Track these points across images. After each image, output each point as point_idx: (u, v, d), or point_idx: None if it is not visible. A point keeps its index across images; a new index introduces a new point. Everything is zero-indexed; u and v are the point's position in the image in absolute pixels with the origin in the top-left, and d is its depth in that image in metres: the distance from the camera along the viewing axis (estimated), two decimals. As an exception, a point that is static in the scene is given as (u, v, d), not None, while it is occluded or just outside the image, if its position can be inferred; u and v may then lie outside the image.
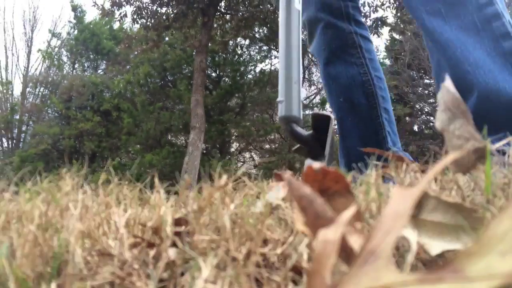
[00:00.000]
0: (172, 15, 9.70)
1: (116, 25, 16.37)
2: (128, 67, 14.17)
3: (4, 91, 16.67)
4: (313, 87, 14.58)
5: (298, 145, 1.32)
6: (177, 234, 0.37)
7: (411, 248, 0.27)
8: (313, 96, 14.64)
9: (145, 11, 9.74)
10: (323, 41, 1.63)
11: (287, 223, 0.39)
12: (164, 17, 9.75)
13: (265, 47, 13.81)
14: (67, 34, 17.51)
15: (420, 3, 1.25)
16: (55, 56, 17.13)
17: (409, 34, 12.78)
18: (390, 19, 12.48)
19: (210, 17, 9.60)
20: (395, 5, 10.34)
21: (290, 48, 1.36)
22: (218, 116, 12.37)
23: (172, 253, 0.35)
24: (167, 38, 12.06)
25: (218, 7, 10.11)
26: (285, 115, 1.29)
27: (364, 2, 10.08)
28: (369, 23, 10.23)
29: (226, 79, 13.40)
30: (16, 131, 16.16)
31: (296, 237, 0.35)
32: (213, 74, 13.49)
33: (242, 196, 0.47)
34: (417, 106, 13.78)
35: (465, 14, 1.13)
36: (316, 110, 13.45)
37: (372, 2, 10.25)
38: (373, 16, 10.45)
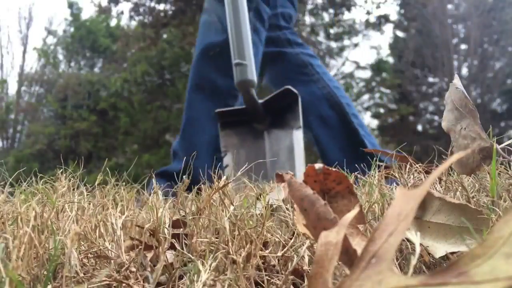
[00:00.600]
0: (170, 12, 9.67)
1: (113, 23, 16.31)
2: (125, 65, 14.11)
3: (-1, 90, 16.59)
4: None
5: (226, 120, 1.37)
6: (175, 236, 0.37)
7: (415, 251, 0.27)
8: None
9: (143, 8, 9.72)
10: (275, 71, 1.76)
11: (288, 225, 0.38)
12: (162, 14, 9.72)
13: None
14: (63, 31, 17.44)
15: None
16: (51, 54, 17.06)
17: (413, 31, 12.78)
18: (394, 16, 12.52)
19: (208, 14, 9.57)
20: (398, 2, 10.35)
21: (244, 9, 1.40)
22: (216, 115, 12.33)
23: (170, 255, 0.35)
24: (165, 36, 12.02)
25: (217, 4, 10.08)
26: (249, 78, 1.32)
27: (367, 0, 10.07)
28: (372, 20, 10.24)
29: (224, 77, 13.35)
30: (11, 130, 16.08)
31: (297, 239, 0.34)
32: (212, 73, 13.44)
33: (242, 197, 0.47)
34: (421, 105, 13.78)
35: None
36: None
37: (375, -1, 10.24)
38: (376, 13, 10.45)
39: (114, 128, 13.59)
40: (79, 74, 15.81)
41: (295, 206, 0.31)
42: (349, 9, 10.24)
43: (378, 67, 13.52)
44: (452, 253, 0.31)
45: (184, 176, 0.41)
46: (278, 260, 0.33)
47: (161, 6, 9.85)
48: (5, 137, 16.02)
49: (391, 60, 14.77)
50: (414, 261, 0.27)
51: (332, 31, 12.01)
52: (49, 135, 13.90)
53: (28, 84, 16.88)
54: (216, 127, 1.46)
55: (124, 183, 0.53)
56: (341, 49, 13.06)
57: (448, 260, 0.31)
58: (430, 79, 13.79)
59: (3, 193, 0.51)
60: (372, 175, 0.39)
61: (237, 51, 1.35)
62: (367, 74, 13.98)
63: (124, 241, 0.37)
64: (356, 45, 13.05)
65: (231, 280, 0.29)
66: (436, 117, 13.20)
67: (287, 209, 0.39)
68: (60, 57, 17.51)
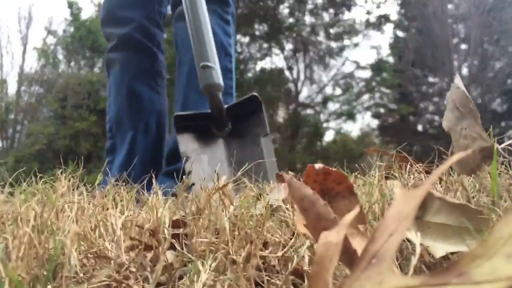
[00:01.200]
0: (170, 12, 9.67)
1: (113, 23, 16.26)
2: (124, 65, 14.07)
3: (-2, 90, 16.58)
4: (314, 86, 14.54)
5: (184, 124, 1.35)
6: (175, 236, 0.37)
7: (415, 251, 0.27)
8: (314, 95, 14.61)
9: (143, 7, 9.70)
10: (134, 59, 1.76)
11: (288, 225, 0.38)
12: (161, 14, 9.71)
13: (265, 45, 13.79)
14: (63, 31, 17.42)
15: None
16: (51, 54, 17.05)
17: (413, 31, 12.76)
18: (394, 16, 12.49)
19: (208, 14, 9.58)
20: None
21: (204, 10, 1.38)
22: (217, 115, 12.33)
23: (170, 256, 0.35)
24: (165, 36, 12.02)
25: (217, 4, 10.08)
26: (216, 82, 1.31)
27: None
28: (372, 20, 10.24)
29: (227, 78, 13.37)
30: (10, 130, 16.06)
31: (297, 239, 0.34)
32: (213, 73, 13.45)
33: (242, 197, 0.47)
34: (421, 105, 13.76)
35: None
36: (317, 109, 13.49)
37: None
38: (376, 13, 10.44)
39: (114, 128, 13.56)
40: (79, 74, 15.79)
41: (295, 206, 0.31)
42: (349, 9, 10.25)
43: (378, 67, 13.52)
44: (453, 253, 0.31)
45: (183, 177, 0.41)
46: (278, 260, 0.33)
47: (162, 6, 9.84)
48: (4, 137, 16.00)
49: (391, 60, 14.77)
50: (414, 261, 0.26)
51: (332, 31, 12.02)
52: (48, 135, 13.88)
53: (27, 84, 16.85)
54: None
55: (124, 183, 0.53)
56: (341, 49, 13.07)
57: (448, 260, 0.31)
58: (430, 79, 13.77)
59: (3, 193, 0.51)
60: (372, 175, 0.39)
61: (200, 53, 1.32)
62: (367, 74, 13.99)
63: (124, 241, 0.37)
64: (356, 45, 13.07)
65: (231, 281, 0.29)
66: (436, 117, 13.18)
67: (287, 209, 0.39)
68: (60, 57, 17.48)
